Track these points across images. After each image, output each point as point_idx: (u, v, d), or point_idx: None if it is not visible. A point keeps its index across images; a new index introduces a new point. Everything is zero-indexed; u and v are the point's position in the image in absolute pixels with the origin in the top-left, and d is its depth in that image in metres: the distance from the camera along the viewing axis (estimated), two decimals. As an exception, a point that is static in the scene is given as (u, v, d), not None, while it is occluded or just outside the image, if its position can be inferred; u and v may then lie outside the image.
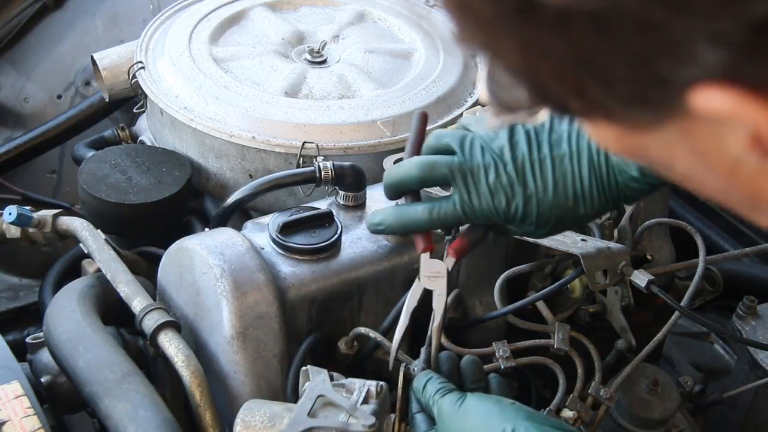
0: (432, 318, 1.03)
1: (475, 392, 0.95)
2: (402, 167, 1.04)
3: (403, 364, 1.04)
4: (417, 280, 1.04)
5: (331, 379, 0.99)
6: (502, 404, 0.91)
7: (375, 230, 1.08)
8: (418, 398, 0.98)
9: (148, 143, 1.55)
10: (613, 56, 0.44)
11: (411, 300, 1.03)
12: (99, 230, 1.28)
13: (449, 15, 0.47)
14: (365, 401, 0.96)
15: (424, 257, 1.05)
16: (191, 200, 1.45)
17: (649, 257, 1.33)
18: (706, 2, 0.40)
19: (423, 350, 1.03)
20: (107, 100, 1.64)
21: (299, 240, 1.15)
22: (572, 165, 0.95)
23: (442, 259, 1.05)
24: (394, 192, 1.07)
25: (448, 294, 1.04)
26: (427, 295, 1.04)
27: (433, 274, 1.00)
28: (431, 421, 0.97)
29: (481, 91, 0.56)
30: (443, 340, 1.11)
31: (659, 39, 0.42)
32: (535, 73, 0.48)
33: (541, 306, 1.17)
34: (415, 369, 1.03)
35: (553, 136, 0.96)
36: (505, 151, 0.97)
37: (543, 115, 0.54)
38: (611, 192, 0.97)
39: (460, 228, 1.07)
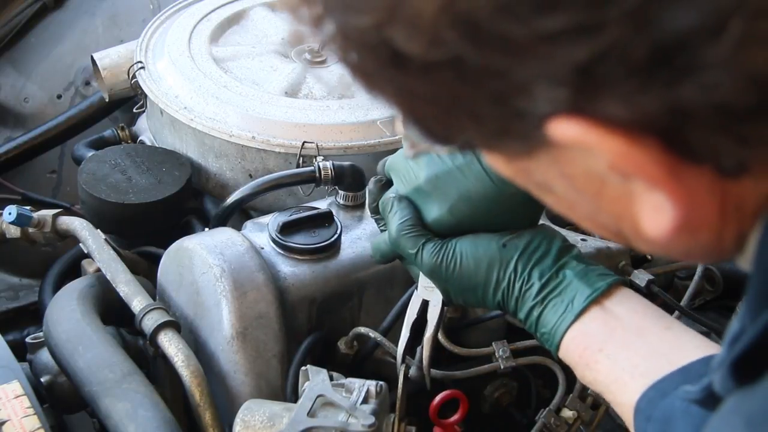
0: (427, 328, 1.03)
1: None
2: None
3: (403, 364, 1.04)
4: (415, 290, 1.03)
5: (331, 379, 0.99)
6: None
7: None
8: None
9: (148, 143, 1.55)
10: (475, 97, 0.49)
11: (411, 311, 1.03)
12: (99, 230, 1.28)
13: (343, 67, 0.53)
14: (365, 401, 0.96)
15: None
16: (191, 200, 1.45)
17: (649, 257, 1.33)
18: (536, 49, 0.45)
19: (419, 349, 1.03)
20: (107, 100, 1.64)
21: (299, 240, 1.15)
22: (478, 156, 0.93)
23: None
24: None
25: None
26: (426, 305, 1.04)
27: (430, 285, 0.99)
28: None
29: (397, 125, 0.61)
30: (443, 340, 1.12)
31: (507, 81, 0.47)
32: (416, 115, 0.54)
33: (541, 306, 1.17)
34: (414, 368, 1.03)
35: None
36: (419, 179, 0.95)
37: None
38: None
39: None
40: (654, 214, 0.51)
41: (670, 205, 0.49)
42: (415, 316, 1.02)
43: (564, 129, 0.48)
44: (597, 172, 0.51)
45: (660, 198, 0.49)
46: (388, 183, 1.01)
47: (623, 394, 0.82)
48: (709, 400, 0.60)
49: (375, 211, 1.02)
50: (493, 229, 0.93)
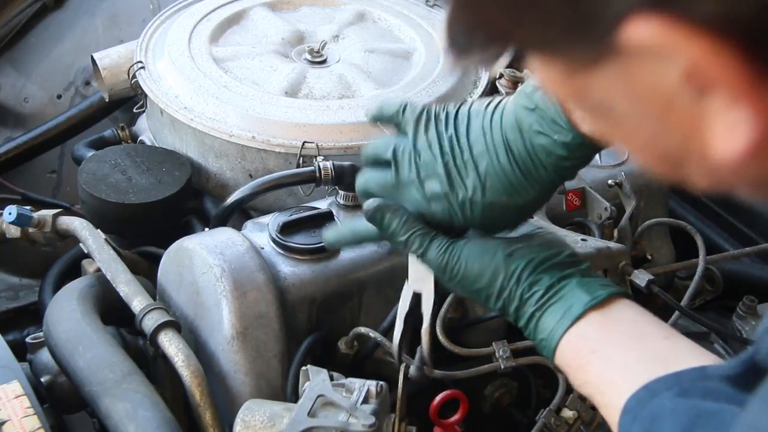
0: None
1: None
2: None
3: (403, 364, 1.03)
4: (406, 283, 1.03)
5: (331, 379, 0.99)
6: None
7: (331, 247, 1.05)
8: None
9: (148, 143, 1.55)
10: None
11: (402, 304, 1.02)
12: (99, 230, 1.28)
13: None
14: (365, 401, 0.96)
15: (412, 259, 1.03)
16: (191, 200, 1.45)
17: (649, 257, 1.33)
18: None
19: (418, 349, 1.03)
20: (107, 100, 1.64)
21: (299, 240, 1.15)
22: (492, 160, 0.92)
23: None
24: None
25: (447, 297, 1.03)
26: (419, 298, 1.03)
27: (420, 277, 0.99)
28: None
29: (439, 38, 0.58)
30: (443, 340, 1.11)
31: None
32: (478, 7, 0.51)
33: (541, 306, 1.17)
34: (414, 368, 1.03)
35: (471, 136, 0.94)
36: (434, 164, 0.94)
37: (500, 64, 0.56)
38: (541, 176, 0.92)
39: None
40: (729, 133, 0.46)
41: (747, 123, 0.46)
42: (407, 308, 1.01)
43: (641, 30, 0.44)
44: (667, 86, 0.47)
45: (736, 115, 0.46)
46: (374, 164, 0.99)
47: (612, 395, 0.79)
48: (746, 375, 0.57)
49: (366, 195, 0.99)
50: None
